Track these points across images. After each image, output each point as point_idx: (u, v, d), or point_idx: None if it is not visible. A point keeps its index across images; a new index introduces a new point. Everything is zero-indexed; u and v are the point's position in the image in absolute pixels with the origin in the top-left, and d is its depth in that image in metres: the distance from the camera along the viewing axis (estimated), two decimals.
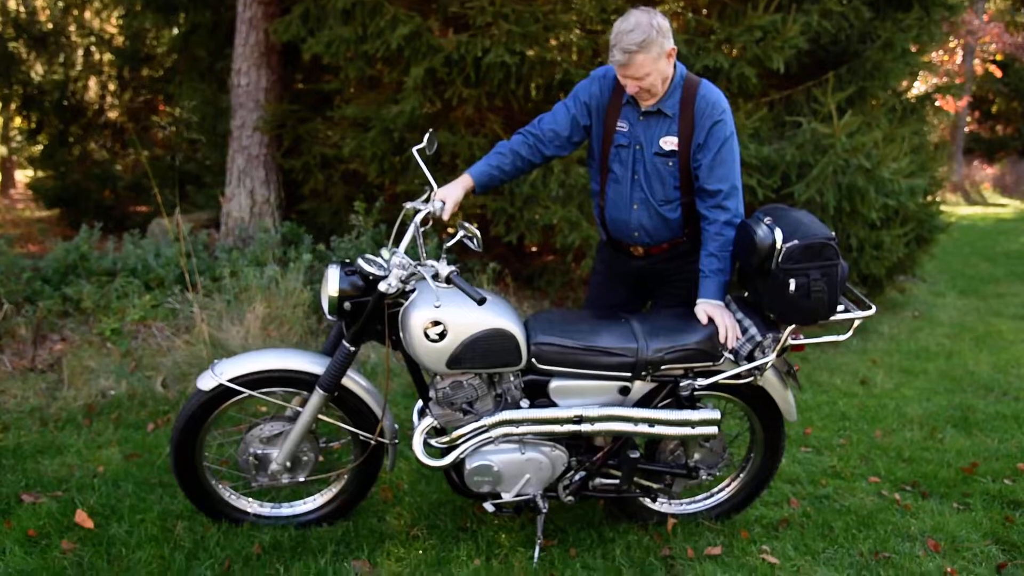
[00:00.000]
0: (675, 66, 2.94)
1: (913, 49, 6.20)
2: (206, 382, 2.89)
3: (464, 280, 2.60)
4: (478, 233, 2.87)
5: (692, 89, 2.96)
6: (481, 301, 2.55)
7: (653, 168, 3.01)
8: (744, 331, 2.90)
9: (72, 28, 10.65)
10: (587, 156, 3.22)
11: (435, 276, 2.66)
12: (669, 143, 2.97)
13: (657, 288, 3.31)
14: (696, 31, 5.66)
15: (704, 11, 5.88)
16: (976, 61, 19.49)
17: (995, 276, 9.28)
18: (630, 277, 3.30)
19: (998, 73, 20.89)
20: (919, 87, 8.75)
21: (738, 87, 5.44)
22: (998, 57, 20.17)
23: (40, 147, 10.67)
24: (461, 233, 2.89)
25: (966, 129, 21.40)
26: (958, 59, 18.57)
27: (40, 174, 10.79)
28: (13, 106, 10.23)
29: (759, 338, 2.85)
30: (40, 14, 10.72)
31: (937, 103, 7.31)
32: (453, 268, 2.64)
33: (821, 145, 5.47)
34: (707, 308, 2.94)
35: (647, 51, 2.76)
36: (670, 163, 2.99)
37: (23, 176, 15.05)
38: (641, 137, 3.01)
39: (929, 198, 6.88)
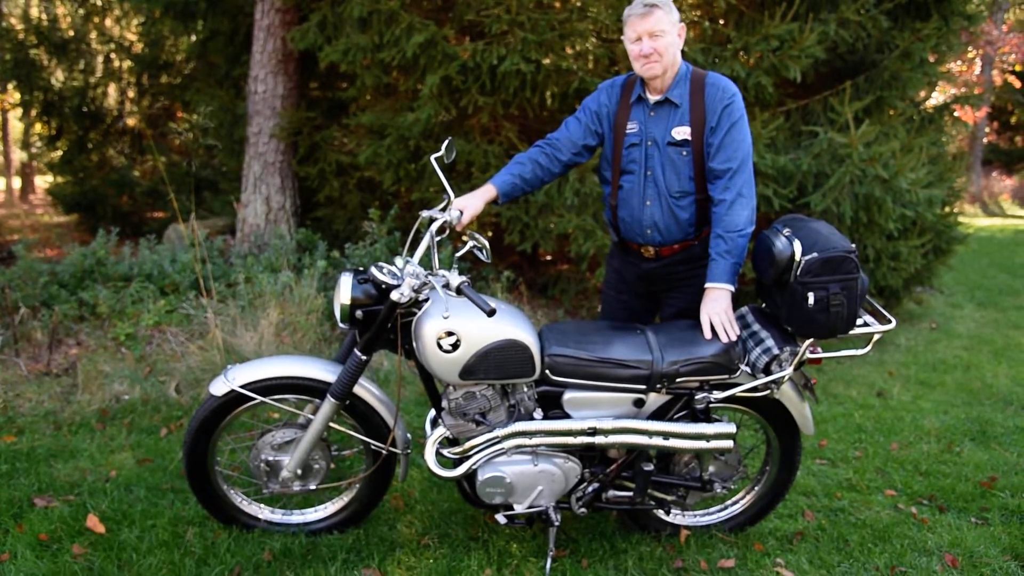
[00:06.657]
0: (680, 60, 3.04)
1: (931, 59, 6.15)
2: (219, 387, 2.90)
3: (475, 291, 2.58)
4: (486, 244, 2.87)
5: (700, 80, 3.03)
6: (491, 312, 2.51)
7: (668, 160, 3.04)
8: (760, 343, 2.88)
9: (92, 35, 10.77)
10: (599, 161, 3.28)
11: (446, 286, 2.64)
12: (681, 132, 3.01)
13: (665, 293, 3.31)
14: (713, 40, 5.65)
15: (721, 20, 5.86)
16: (995, 72, 19.38)
17: (1014, 288, 9.18)
18: (640, 283, 3.30)
19: (1017, 84, 20.77)
20: (937, 97, 8.68)
21: (755, 96, 5.42)
22: (1017, 68, 20.03)
23: (59, 153, 10.78)
24: (471, 243, 2.89)
25: (985, 140, 21.25)
26: (977, 69, 18.48)
27: (59, 179, 10.91)
28: (34, 112, 10.34)
29: (776, 351, 2.82)
30: (61, 21, 10.86)
31: (955, 113, 7.24)
32: (464, 278, 2.61)
33: (838, 155, 5.44)
34: (707, 308, 2.92)
35: (666, 9, 2.90)
36: (684, 152, 3.02)
37: (42, 181, 15.21)
38: (653, 131, 3.05)
39: (947, 209, 6.83)
